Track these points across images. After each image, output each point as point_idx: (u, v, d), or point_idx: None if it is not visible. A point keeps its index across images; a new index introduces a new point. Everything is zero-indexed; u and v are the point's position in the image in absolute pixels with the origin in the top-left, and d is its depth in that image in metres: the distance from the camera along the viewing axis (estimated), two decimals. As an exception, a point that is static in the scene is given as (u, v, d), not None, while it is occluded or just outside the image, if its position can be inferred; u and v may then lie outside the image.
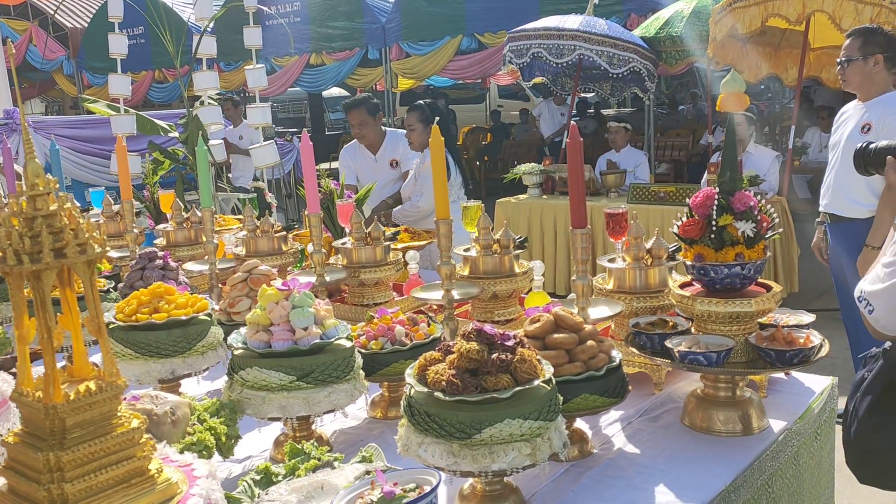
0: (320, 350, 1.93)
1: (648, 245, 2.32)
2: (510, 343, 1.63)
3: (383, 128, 5.00)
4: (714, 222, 1.95)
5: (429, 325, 2.23)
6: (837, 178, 4.32)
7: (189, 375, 2.25)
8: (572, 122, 8.75)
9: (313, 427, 2.03)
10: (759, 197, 1.99)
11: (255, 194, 3.68)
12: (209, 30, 6.88)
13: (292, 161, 10.18)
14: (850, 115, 4.33)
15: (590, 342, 1.86)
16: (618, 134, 7.08)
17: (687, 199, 2.09)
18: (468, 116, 19.29)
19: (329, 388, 1.90)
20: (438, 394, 1.55)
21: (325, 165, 19.03)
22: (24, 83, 16.93)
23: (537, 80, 9.06)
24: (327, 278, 2.80)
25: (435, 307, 2.88)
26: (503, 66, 8.04)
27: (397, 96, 17.32)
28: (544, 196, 7.09)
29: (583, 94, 18.48)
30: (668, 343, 1.94)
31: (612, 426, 2.05)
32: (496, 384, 1.55)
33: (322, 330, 1.95)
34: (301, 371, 1.89)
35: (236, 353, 1.96)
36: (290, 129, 19.10)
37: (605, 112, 18.36)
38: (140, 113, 7.47)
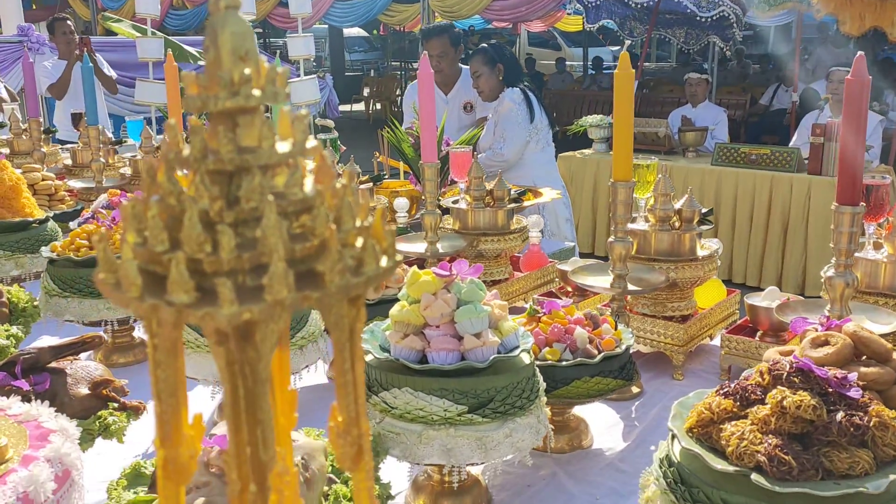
0: (499, 368, 1.33)
1: (918, 231, 1.70)
2: (854, 393, 1.02)
3: (460, 65, 4.32)
4: None
5: (615, 327, 1.63)
6: None
7: (282, 376, 1.67)
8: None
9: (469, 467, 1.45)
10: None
11: (336, 134, 3.04)
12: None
13: (324, 100, 9.47)
14: None
15: (908, 380, 1.25)
16: (698, 87, 6.36)
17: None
18: (498, 64, 18.39)
19: (510, 424, 1.31)
20: (757, 477, 0.95)
21: (345, 107, 18.32)
22: (35, 6, 16.06)
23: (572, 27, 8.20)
24: (440, 247, 2.19)
25: (569, 291, 2.29)
26: (566, 7, 7.27)
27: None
28: (612, 152, 6.41)
29: (606, 47, 17.59)
30: None
31: None
32: (852, 466, 0.96)
33: (499, 337, 1.35)
34: (475, 399, 1.29)
35: (374, 363, 1.36)
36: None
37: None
38: (169, 37, 6.79)
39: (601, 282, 1.87)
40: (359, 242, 0.42)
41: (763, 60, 14.69)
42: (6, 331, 1.68)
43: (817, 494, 0.92)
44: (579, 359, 1.52)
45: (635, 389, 1.88)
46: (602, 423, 1.75)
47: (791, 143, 6.02)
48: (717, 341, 2.01)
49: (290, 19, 6.25)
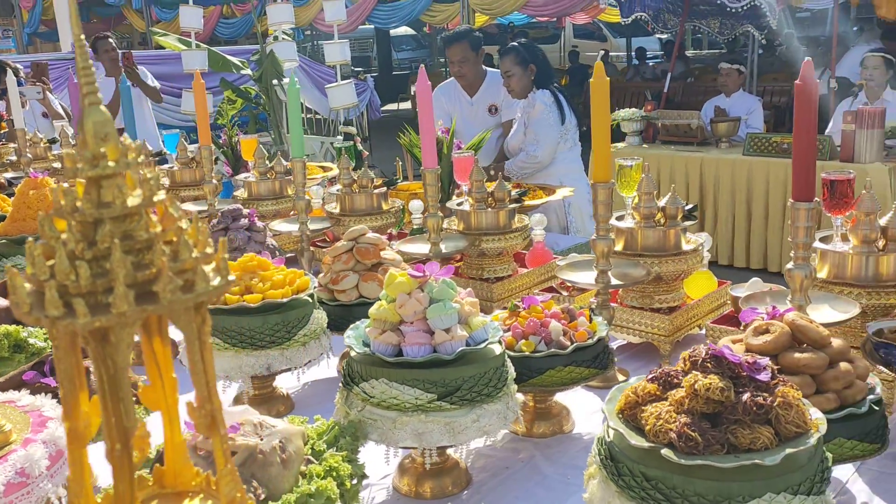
0: (468, 359, 1.47)
1: (883, 222, 1.77)
2: (763, 376, 1.13)
3: (484, 67, 4.45)
4: None
5: (590, 320, 1.75)
6: None
7: (287, 370, 1.83)
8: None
9: (448, 451, 1.59)
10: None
11: (351, 141, 3.22)
12: (284, -41, 6.39)
13: (365, 101, 9.69)
14: None
15: (843, 364, 1.35)
16: (729, 77, 6.35)
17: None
18: (542, 57, 18.37)
19: (478, 410, 1.45)
20: (667, 452, 1.07)
21: (392, 106, 18.59)
22: (93, 18, 16.70)
23: (616, 17, 8.24)
24: (443, 247, 2.33)
25: (569, 286, 2.40)
26: (601, 1, 7.33)
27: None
28: (644, 145, 6.46)
29: (659, 36, 17.42)
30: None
31: (841, 468, 1.55)
32: (753, 441, 1.07)
33: (468, 332, 1.49)
34: (443, 388, 1.43)
35: (355, 357, 1.51)
36: (355, 69, 18.56)
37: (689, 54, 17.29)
38: (212, 48, 7.06)
39: (586, 277, 1.99)
40: (195, 268, 0.56)
41: (812, 44, 14.41)
42: (44, 333, 1.88)
43: (718, 466, 1.04)
44: (552, 350, 1.64)
45: (621, 377, 1.99)
46: (585, 409, 1.86)
47: (827, 131, 5.97)
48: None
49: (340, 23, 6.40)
